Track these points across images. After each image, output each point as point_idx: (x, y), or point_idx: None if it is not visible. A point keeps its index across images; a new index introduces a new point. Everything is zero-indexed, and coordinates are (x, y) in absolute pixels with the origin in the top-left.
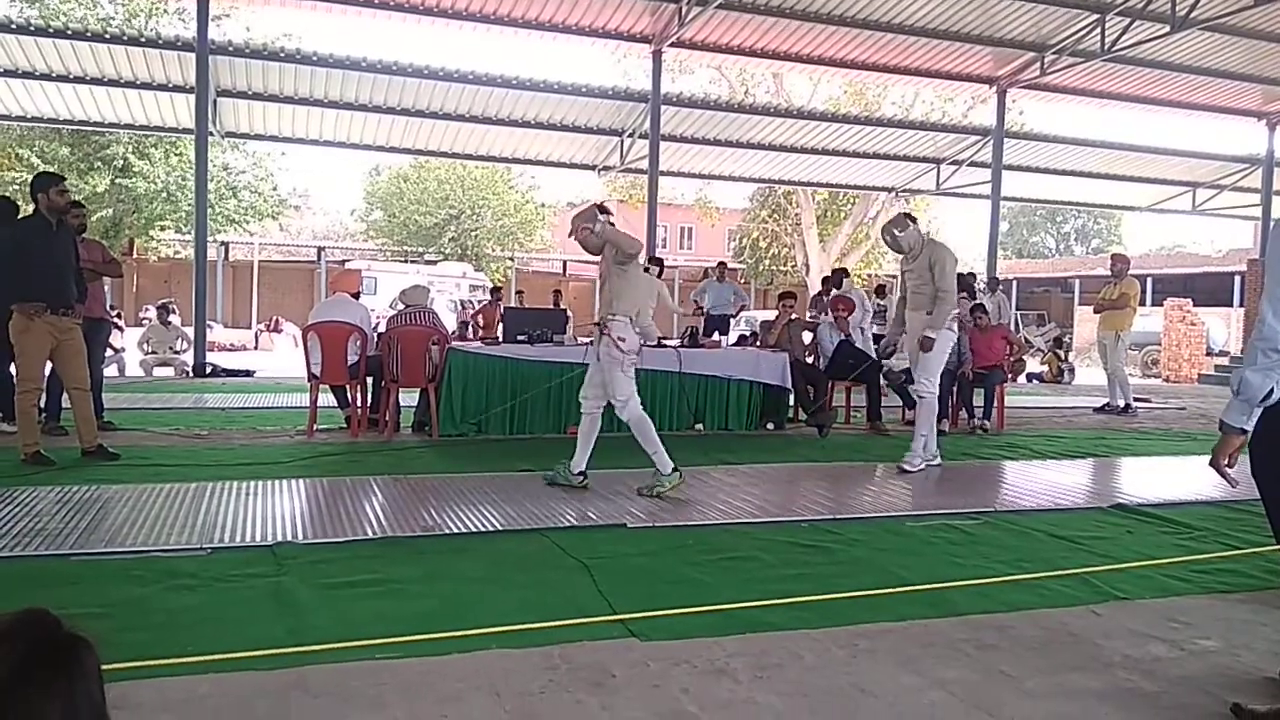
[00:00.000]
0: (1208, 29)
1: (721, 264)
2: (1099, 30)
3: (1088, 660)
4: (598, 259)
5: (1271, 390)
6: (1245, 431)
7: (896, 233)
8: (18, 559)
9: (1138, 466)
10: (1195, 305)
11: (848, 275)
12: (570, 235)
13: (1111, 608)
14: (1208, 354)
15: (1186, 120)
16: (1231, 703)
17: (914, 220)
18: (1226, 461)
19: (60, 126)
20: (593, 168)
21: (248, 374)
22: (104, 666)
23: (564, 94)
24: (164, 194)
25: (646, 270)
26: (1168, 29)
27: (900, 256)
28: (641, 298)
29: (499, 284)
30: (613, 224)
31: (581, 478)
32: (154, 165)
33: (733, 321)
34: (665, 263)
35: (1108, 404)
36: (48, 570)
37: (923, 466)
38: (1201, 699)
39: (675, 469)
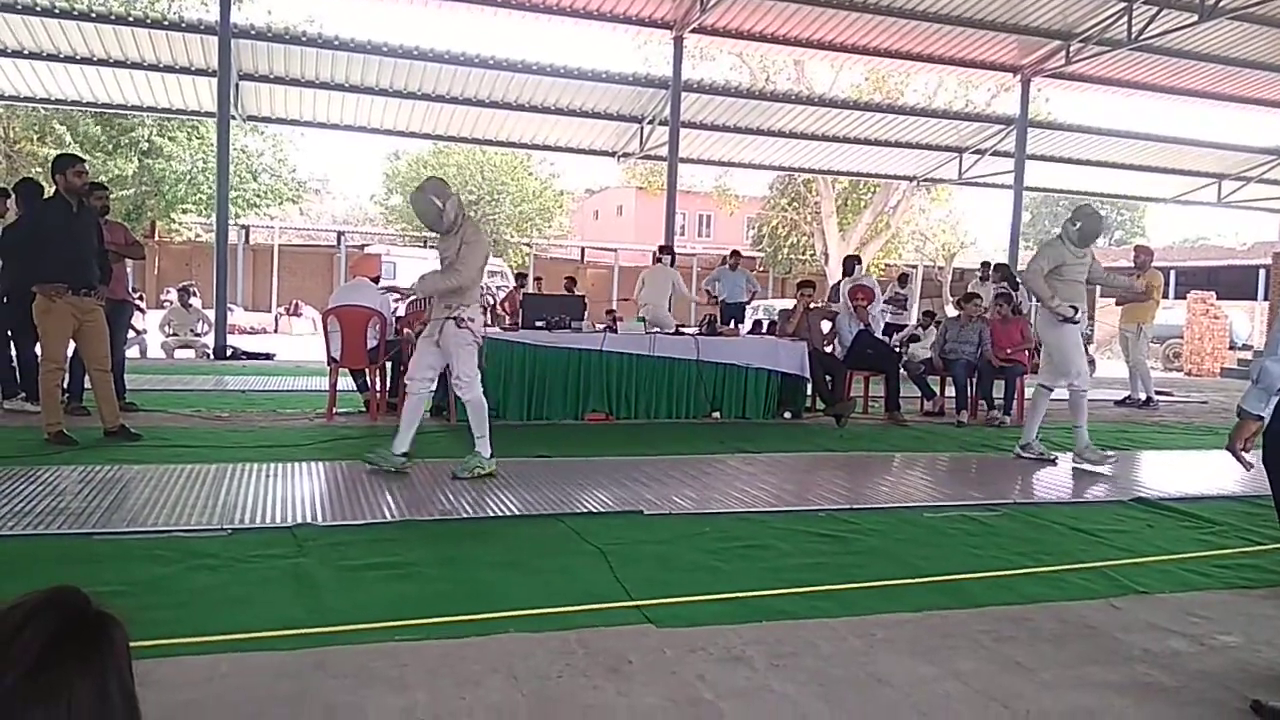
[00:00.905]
0: (1236, 18)
1: (735, 252)
2: (1125, 19)
3: (1106, 654)
4: (614, 248)
5: None
6: (1261, 418)
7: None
8: (41, 537)
9: (1158, 460)
10: (1219, 298)
11: (859, 263)
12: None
13: (1131, 601)
14: (1230, 348)
15: (1213, 111)
16: (1251, 700)
17: None
18: (1242, 446)
19: (84, 109)
20: (612, 154)
21: (268, 357)
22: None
23: (584, 80)
24: (188, 177)
25: (658, 260)
26: (1195, 18)
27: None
28: (651, 290)
29: (521, 271)
30: (461, 209)
31: (404, 459)
32: (180, 147)
33: (748, 310)
34: (675, 251)
35: (1129, 397)
36: (70, 549)
37: (1110, 458)
38: (1221, 694)
39: (492, 456)
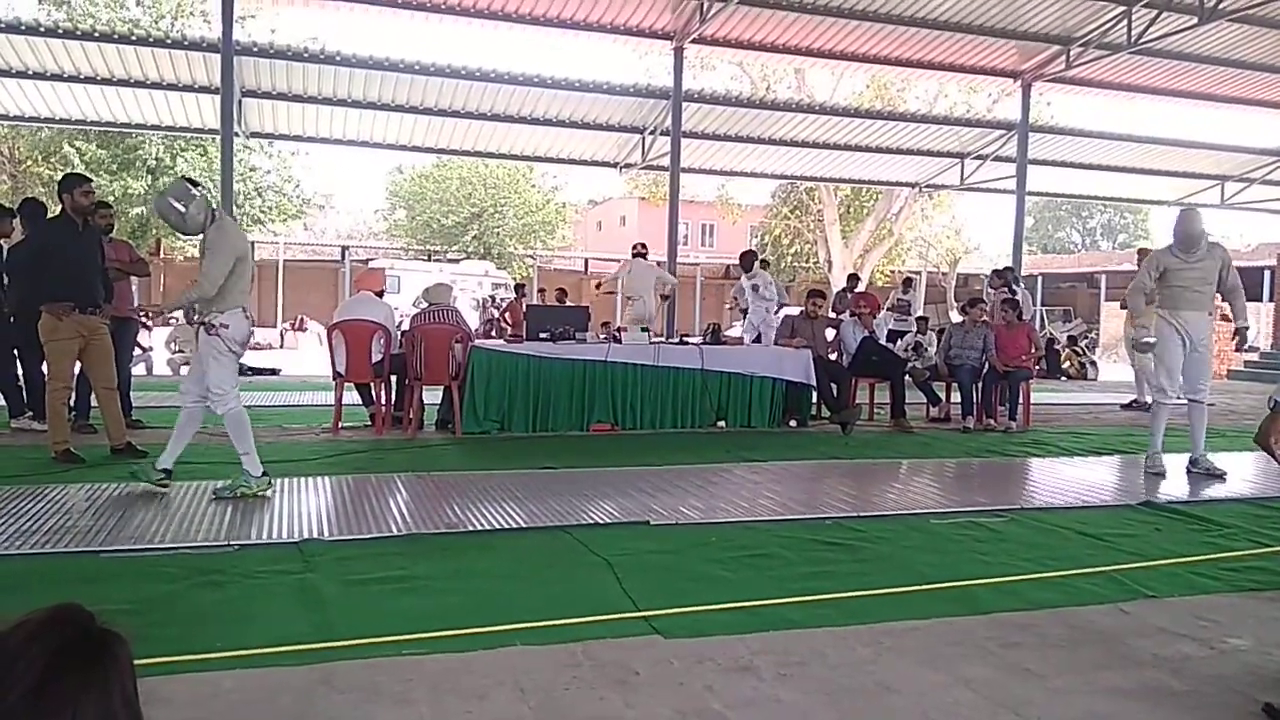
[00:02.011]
0: (1236, 20)
1: (762, 262)
2: (1125, 22)
3: (1116, 659)
4: (617, 258)
5: None
6: None
7: (1204, 228)
8: (49, 556)
9: (1166, 463)
10: (1224, 300)
11: (858, 280)
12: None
13: (1140, 605)
14: (1237, 349)
15: (1215, 112)
16: (1263, 703)
17: None
18: (1276, 441)
19: (89, 128)
20: (614, 165)
21: (273, 372)
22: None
23: (585, 92)
24: None
25: (642, 257)
26: (1195, 20)
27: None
28: (635, 284)
29: (522, 281)
30: (210, 203)
31: (164, 475)
32: (190, 166)
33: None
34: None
35: (1135, 400)
36: (78, 567)
37: (1211, 468)
38: (1232, 698)
39: (265, 474)
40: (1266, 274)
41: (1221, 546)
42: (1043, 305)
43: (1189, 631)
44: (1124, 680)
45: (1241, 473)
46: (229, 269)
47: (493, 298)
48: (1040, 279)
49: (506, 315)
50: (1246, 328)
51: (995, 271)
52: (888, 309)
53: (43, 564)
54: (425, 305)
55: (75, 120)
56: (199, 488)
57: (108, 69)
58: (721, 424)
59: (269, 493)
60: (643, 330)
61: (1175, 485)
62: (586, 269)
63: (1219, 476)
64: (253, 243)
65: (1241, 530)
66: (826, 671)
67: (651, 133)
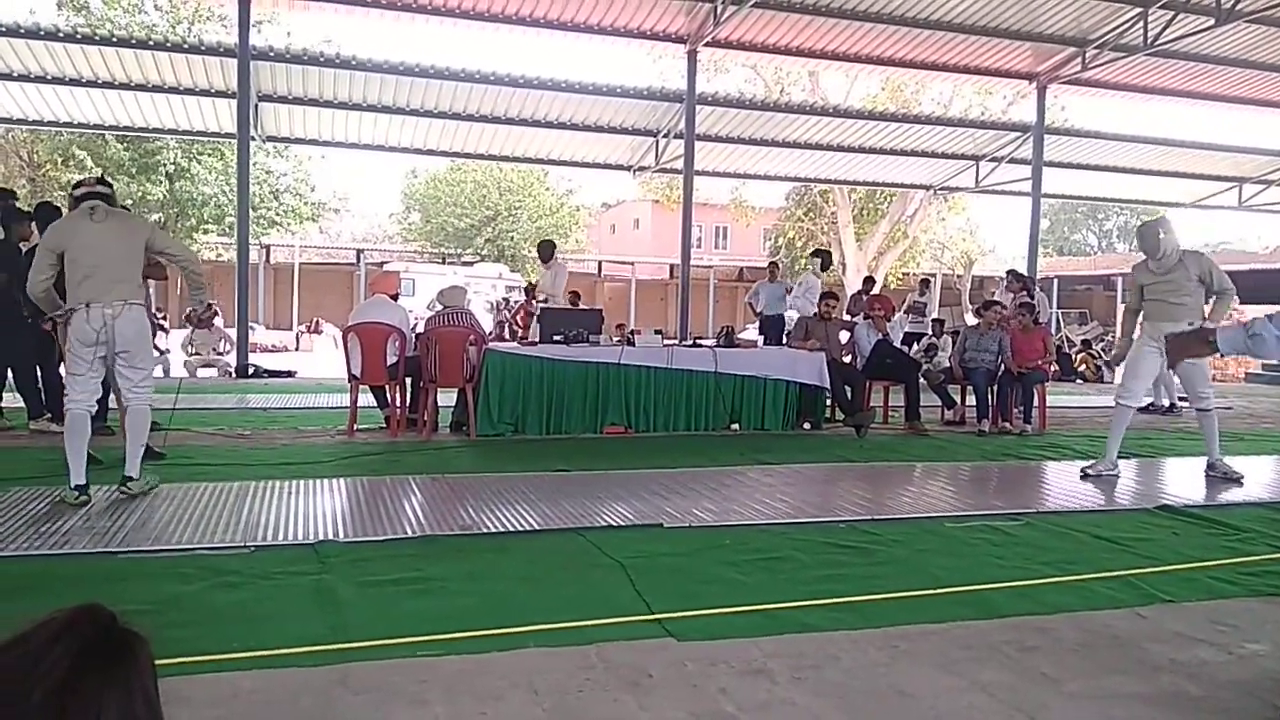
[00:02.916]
0: (1254, 21)
1: (773, 264)
2: (1142, 24)
3: (1131, 663)
4: (631, 261)
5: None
6: (1222, 355)
7: (1162, 234)
8: (66, 556)
9: (1183, 467)
10: (1241, 303)
11: (874, 283)
12: None
13: (1156, 610)
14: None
15: (1232, 114)
16: None
17: None
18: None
19: (106, 132)
20: (628, 168)
21: (289, 375)
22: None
23: (599, 95)
24: (214, 199)
25: (549, 260)
26: (1212, 22)
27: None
28: (556, 286)
29: (533, 283)
30: (107, 193)
31: (78, 493)
32: (208, 170)
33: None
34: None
35: (1152, 404)
36: (95, 567)
37: (1105, 472)
38: (1249, 704)
39: (79, 489)
40: None
41: (1239, 551)
42: (1058, 308)
43: (1206, 636)
44: (1140, 685)
45: (1259, 476)
46: (47, 263)
47: (506, 300)
48: (1056, 281)
49: (518, 318)
50: (1209, 330)
51: (1011, 272)
52: (904, 311)
53: (60, 564)
54: (440, 308)
55: (93, 125)
56: (216, 489)
57: (125, 74)
58: (735, 426)
59: (74, 505)
60: (655, 332)
61: (1192, 489)
62: (600, 272)
63: (1236, 480)
64: (267, 246)
65: (1259, 534)
66: (840, 675)
67: (665, 136)
